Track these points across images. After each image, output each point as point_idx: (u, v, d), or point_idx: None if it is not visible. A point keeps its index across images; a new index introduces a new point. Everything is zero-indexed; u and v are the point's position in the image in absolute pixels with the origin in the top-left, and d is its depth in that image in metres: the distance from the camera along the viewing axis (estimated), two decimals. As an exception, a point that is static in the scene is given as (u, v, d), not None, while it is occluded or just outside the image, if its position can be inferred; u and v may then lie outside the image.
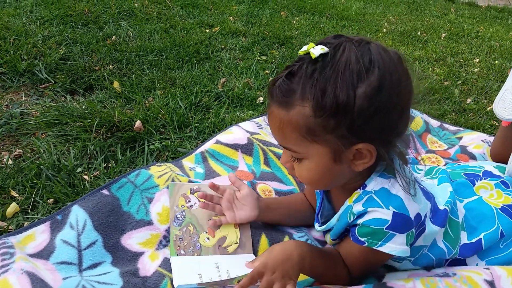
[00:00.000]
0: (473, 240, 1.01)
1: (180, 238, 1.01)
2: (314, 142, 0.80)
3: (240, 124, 1.43)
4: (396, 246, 0.86)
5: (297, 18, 3.21)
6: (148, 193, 1.10)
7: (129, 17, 2.60)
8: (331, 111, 0.75)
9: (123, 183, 1.10)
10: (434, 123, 1.75)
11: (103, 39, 2.20)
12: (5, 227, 1.01)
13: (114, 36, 2.24)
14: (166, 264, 0.95)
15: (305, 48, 0.78)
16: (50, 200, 1.12)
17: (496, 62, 2.77)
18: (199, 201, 1.07)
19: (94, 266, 0.91)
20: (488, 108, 2.05)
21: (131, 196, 1.08)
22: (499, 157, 1.38)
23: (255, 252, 1.03)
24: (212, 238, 1.03)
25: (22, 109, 1.54)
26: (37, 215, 1.07)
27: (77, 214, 0.97)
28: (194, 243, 1.01)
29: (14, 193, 1.12)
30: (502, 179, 1.15)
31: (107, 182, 1.20)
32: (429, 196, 0.97)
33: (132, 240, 0.99)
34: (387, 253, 0.86)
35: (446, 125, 1.75)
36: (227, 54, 2.29)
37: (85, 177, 1.23)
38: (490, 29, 3.73)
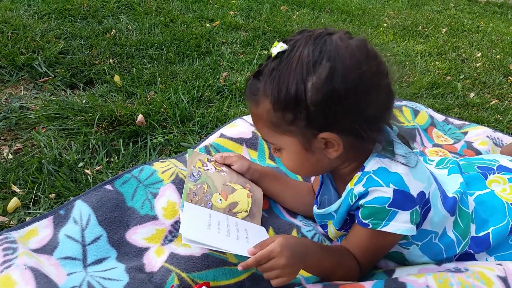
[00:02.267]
0: (481, 234, 0.99)
1: (193, 193, 1.02)
2: (282, 133, 0.85)
3: (244, 117, 1.41)
4: (400, 224, 0.86)
5: (297, 12, 3.18)
6: (152, 188, 1.08)
7: (128, 11, 2.57)
8: (286, 105, 0.80)
9: (127, 179, 1.08)
10: (439, 117, 1.73)
11: (102, 33, 2.16)
12: (6, 222, 0.99)
13: (113, 30, 2.21)
14: (172, 259, 0.92)
15: (272, 46, 0.83)
16: (52, 195, 1.09)
17: (498, 56, 2.75)
18: (215, 168, 1.10)
19: (98, 261, 0.88)
20: (492, 103, 2.03)
21: (135, 192, 1.06)
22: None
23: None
24: (224, 201, 1.04)
25: (22, 103, 1.51)
26: (39, 210, 1.04)
27: (81, 209, 0.95)
28: (206, 200, 1.02)
29: (15, 188, 1.09)
30: None
31: (109, 177, 1.18)
32: (436, 180, 0.96)
33: (137, 236, 0.97)
34: (392, 232, 0.85)
35: (451, 119, 1.74)
36: (228, 49, 2.26)
37: (88, 171, 1.20)
38: (491, 24, 3.72)
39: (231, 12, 2.87)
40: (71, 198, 1.01)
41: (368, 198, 0.86)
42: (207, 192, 1.05)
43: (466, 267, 0.93)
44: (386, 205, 0.85)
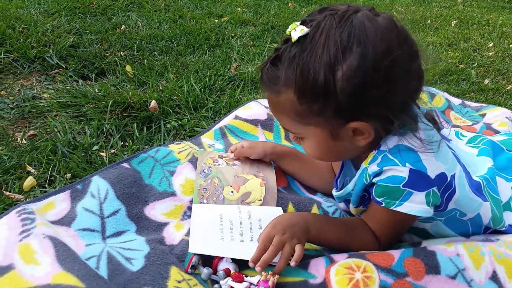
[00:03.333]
0: None
1: (204, 188, 1.00)
2: (307, 124, 0.79)
3: (258, 100, 1.39)
4: (414, 205, 0.81)
5: (305, 9, 3.17)
6: (169, 166, 1.05)
7: (137, 9, 2.58)
8: (313, 95, 0.74)
9: (144, 158, 1.06)
10: (455, 101, 1.70)
11: (112, 28, 2.17)
12: (22, 200, 0.97)
13: (123, 26, 2.21)
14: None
15: (290, 28, 0.76)
16: (68, 175, 1.08)
17: (511, 46, 2.72)
18: (226, 163, 1.06)
19: (118, 234, 0.86)
20: (508, 88, 2.00)
21: (152, 170, 1.04)
22: None
23: (284, 210, 0.99)
24: (236, 192, 1.01)
25: (34, 93, 1.51)
26: (55, 189, 1.02)
27: (98, 184, 0.93)
28: (217, 194, 0.99)
29: (30, 168, 1.08)
30: None
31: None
32: (459, 162, 0.91)
33: (156, 211, 0.94)
34: (405, 213, 0.81)
35: (467, 102, 1.70)
36: (237, 42, 2.25)
37: (102, 154, 1.18)
38: (500, 18, 3.68)
39: (239, 9, 2.87)
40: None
41: (382, 176, 0.81)
42: (218, 186, 1.01)
43: (497, 238, 0.90)
44: (401, 185, 0.80)
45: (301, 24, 0.76)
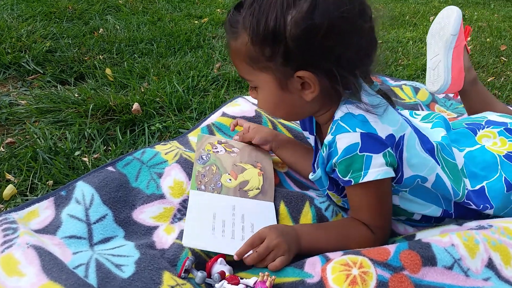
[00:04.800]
0: (477, 187, 0.97)
1: (202, 175, 1.00)
2: (259, 70, 0.82)
3: (246, 96, 1.37)
4: (378, 169, 0.82)
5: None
6: (156, 168, 1.02)
7: (114, 12, 2.53)
8: (264, 38, 0.77)
9: (129, 161, 1.03)
10: (439, 95, 1.71)
11: (90, 32, 2.12)
12: (3, 209, 0.93)
13: (101, 29, 2.16)
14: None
15: None
16: (50, 182, 1.04)
17: (488, 39, 2.76)
18: (225, 150, 1.06)
19: (106, 240, 0.83)
20: (489, 80, 2.02)
21: (139, 173, 1.00)
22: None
23: (276, 209, 0.98)
24: (234, 180, 1.01)
25: (11, 99, 1.45)
26: (38, 197, 0.98)
27: (83, 189, 0.89)
28: (215, 181, 0.99)
29: (9, 176, 1.03)
30: (505, 126, 1.08)
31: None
32: (414, 127, 0.93)
33: (144, 215, 0.91)
34: (374, 179, 0.82)
35: (451, 95, 1.71)
36: (219, 42, 2.23)
37: (85, 159, 1.15)
38: (475, 13, 3.75)
39: (218, 10, 2.84)
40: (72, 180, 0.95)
41: (338, 151, 0.82)
42: (216, 173, 1.02)
43: (490, 224, 0.89)
44: (358, 151, 0.81)
45: None
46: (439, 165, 0.93)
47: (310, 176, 0.99)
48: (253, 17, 0.77)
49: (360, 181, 0.83)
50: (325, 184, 0.94)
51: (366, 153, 0.82)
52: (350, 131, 0.82)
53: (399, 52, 2.34)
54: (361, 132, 0.81)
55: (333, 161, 0.84)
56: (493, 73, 2.15)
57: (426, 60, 1.45)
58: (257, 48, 0.79)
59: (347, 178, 0.84)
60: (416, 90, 1.65)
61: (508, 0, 4.69)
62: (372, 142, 0.82)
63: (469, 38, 1.82)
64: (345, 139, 0.82)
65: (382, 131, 0.83)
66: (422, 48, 2.47)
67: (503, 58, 2.41)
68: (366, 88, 0.89)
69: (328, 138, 0.85)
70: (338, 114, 0.85)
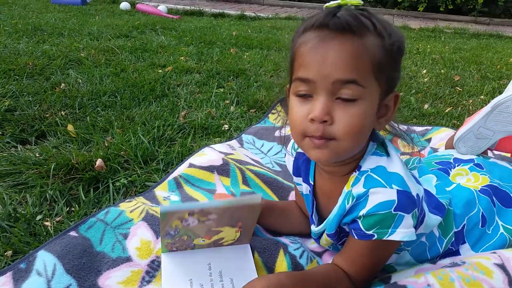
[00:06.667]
0: (460, 228, 0.98)
1: (172, 243, 0.92)
2: (375, 79, 0.75)
3: (212, 146, 1.36)
4: (406, 230, 0.79)
5: (246, 53, 3.24)
6: (122, 229, 0.99)
7: (76, 66, 2.51)
8: (396, 49, 0.76)
9: (92, 223, 0.99)
10: (401, 127, 1.75)
11: (51, 88, 2.09)
12: (-44, 288, 0.86)
13: (62, 84, 2.13)
14: (153, 300, 0.83)
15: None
16: (9, 252, 0.97)
17: (442, 71, 2.90)
18: (198, 220, 0.90)
19: (70, 314, 0.78)
20: (447, 110, 2.10)
21: (103, 235, 0.97)
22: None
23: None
24: (207, 240, 0.94)
25: (-33, 164, 1.39)
26: (-5, 271, 0.92)
27: (44, 259, 0.84)
28: (187, 243, 0.93)
29: (-36, 251, 0.97)
30: (473, 162, 1.13)
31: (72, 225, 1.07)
32: (418, 182, 0.93)
33: (111, 280, 0.87)
34: (398, 240, 0.79)
35: (413, 127, 1.76)
36: (184, 90, 2.24)
37: (47, 223, 1.09)
38: (428, 46, 3.94)
39: (182, 58, 2.88)
40: (32, 251, 0.90)
41: (369, 205, 0.78)
42: (187, 240, 0.93)
43: (463, 260, 0.90)
44: (392, 209, 0.77)
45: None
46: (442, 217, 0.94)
47: (314, 229, 0.96)
48: (383, 25, 0.75)
49: (384, 238, 0.79)
50: (331, 230, 0.90)
51: (399, 212, 0.78)
52: (386, 187, 0.78)
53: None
54: (397, 190, 0.78)
55: (360, 213, 0.80)
56: (450, 103, 2.24)
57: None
58: (389, 56, 0.75)
59: (370, 232, 0.80)
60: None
61: (456, 33, 4.97)
62: (407, 201, 0.78)
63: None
64: (380, 195, 0.78)
65: (414, 190, 0.80)
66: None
67: (458, 88, 2.52)
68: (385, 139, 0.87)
69: (358, 189, 0.80)
70: (367, 166, 0.81)
